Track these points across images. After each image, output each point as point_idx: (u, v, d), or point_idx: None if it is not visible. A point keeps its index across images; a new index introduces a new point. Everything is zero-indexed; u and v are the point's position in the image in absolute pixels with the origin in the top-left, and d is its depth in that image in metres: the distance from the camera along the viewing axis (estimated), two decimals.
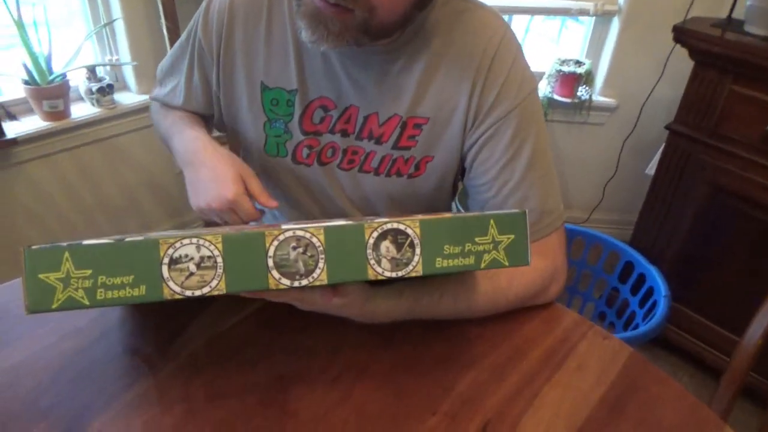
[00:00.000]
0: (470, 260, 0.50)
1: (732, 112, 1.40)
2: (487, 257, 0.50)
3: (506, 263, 0.51)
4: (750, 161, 1.40)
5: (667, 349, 1.74)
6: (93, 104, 1.69)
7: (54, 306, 0.44)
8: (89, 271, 0.44)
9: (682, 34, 1.44)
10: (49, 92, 1.56)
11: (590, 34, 1.98)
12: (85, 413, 0.57)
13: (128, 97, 1.78)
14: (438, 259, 0.49)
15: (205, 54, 0.80)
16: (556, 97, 1.96)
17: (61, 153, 1.66)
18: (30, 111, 1.63)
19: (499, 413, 0.60)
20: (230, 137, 0.86)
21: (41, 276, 0.43)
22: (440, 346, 0.67)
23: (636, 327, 1.51)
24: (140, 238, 0.45)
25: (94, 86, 1.65)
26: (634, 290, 1.57)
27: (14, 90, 1.63)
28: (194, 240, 0.45)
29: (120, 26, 1.69)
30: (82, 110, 1.68)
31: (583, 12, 1.89)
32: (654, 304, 1.46)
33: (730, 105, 1.40)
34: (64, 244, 0.44)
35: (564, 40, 2.20)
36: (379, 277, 0.48)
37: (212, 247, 0.45)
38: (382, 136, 0.76)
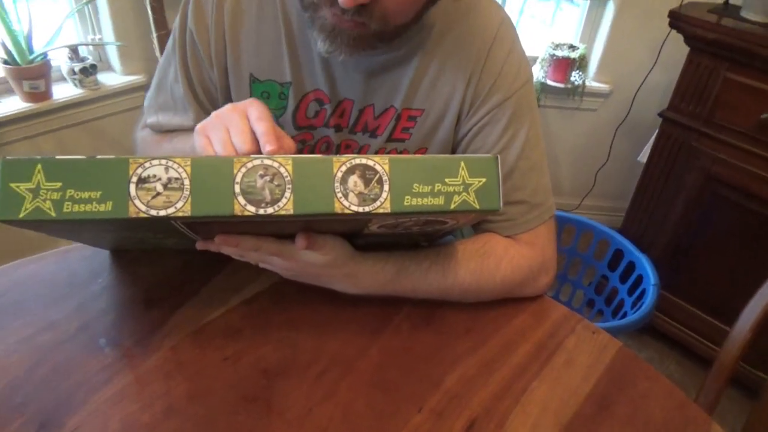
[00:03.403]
0: (440, 200, 0.49)
1: (727, 100, 1.39)
2: (456, 198, 0.50)
3: (477, 206, 0.50)
4: (744, 151, 1.39)
5: (656, 337, 1.75)
6: (76, 85, 1.64)
7: (21, 215, 0.44)
8: (59, 184, 0.45)
9: (677, 20, 1.41)
10: (30, 72, 1.51)
11: (585, 18, 1.95)
12: (61, 409, 0.55)
13: (112, 78, 1.74)
14: (407, 197, 0.49)
15: (200, 51, 0.73)
16: (548, 82, 1.94)
17: (44, 135, 1.62)
18: (10, 92, 1.58)
19: (487, 410, 0.59)
20: None
21: (12, 185, 0.44)
22: (429, 341, 0.66)
23: (624, 315, 1.52)
24: (112, 156, 0.46)
25: (77, 66, 1.60)
26: (623, 278, 1.57)
27: None
28: (163, 161, 0.46)
29: (103, 4, 1.64)
30: (64, 91, 1.63)
31: None
32: (643, 293, 1.46)
33: (725, 93, 1.39)
34: (38, 157, 0.45)
35: (558, 24, 2.17)
36: (346, 211, 0.48)
37: (180, 170, 0.46)
38: (377, 128, 0.74)
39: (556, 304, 0.73)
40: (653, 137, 1.60)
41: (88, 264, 0.73)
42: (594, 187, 2.19)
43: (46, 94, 1.57)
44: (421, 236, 0.67)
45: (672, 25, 1.43)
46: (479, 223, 0.74)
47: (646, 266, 1.47)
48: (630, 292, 1.53)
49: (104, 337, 0.63)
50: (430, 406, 0.58)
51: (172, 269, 0.73)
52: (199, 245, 0.60)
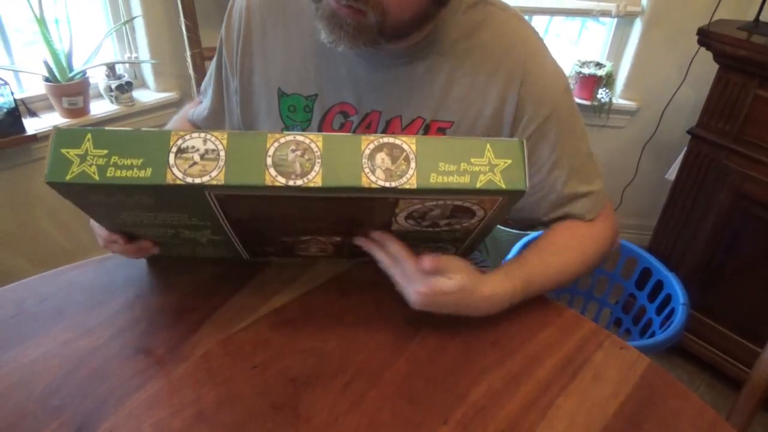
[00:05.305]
0: (465, 179, 0.51)
1: (757, 117, 1.37)
2: (482, 178, 0.51)
3: (503, 185, 0.51)
4: None
5: (685, 358, 1.70)
6: (112, 101, 1.70)
7: (67, 178, 0.48)
8: (105, 151, 0.49)
9: (707, 37, 1.41)
10: (69, 89, 1.57)
11: (611, 36, 1.95)
12: (96, 413, 0.57)
13: (147, 95, 1.79)
14: (433, 174, 0.50)
15: (227, 70, 0.80)
16: (575, 99, 1.93)
17: None
18: (50, 108, 1.64)
19: (513, 423, 0.59)
20: None
21: (63, 150, 0.48)
22: (455, 353, 0.66)
23: (653, 334, 1.49)
24: (156, 129, 0.50)
25: (114, 83, 1.66)
26: (652, 297, 1.54)
27: (34, 86, 1.64)
28: (202, 134, 0.50)
29: (140, 24, 1.70)
30: (101, 107, 1.69)
31: (605, 13, 1.86)
32: (671, 312, 1.43)
33: (756, 110, 1.37)
34: (89, 127, 0.49)
35: (583, 42, 2.17)
36: (373, 185, 0.49)
37: (217, 142, 0.49)
38: None
39: (583, 319, 0.73)
40: (682, 154, 1.58)
41: (124, 272, 0.75)
42: (621, 205, 2.16)
43: (83, 110, 1.63)
44: (448, 241, 0.67)
45: (701, 42, 1.42)
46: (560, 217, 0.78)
47: (675, 285, 1.45)
48: (658, 312, 1.50)
49: (138, 343, 0.65)
50: (455, 418, 0.59)
51: (203, 279, 0.75)
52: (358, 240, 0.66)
